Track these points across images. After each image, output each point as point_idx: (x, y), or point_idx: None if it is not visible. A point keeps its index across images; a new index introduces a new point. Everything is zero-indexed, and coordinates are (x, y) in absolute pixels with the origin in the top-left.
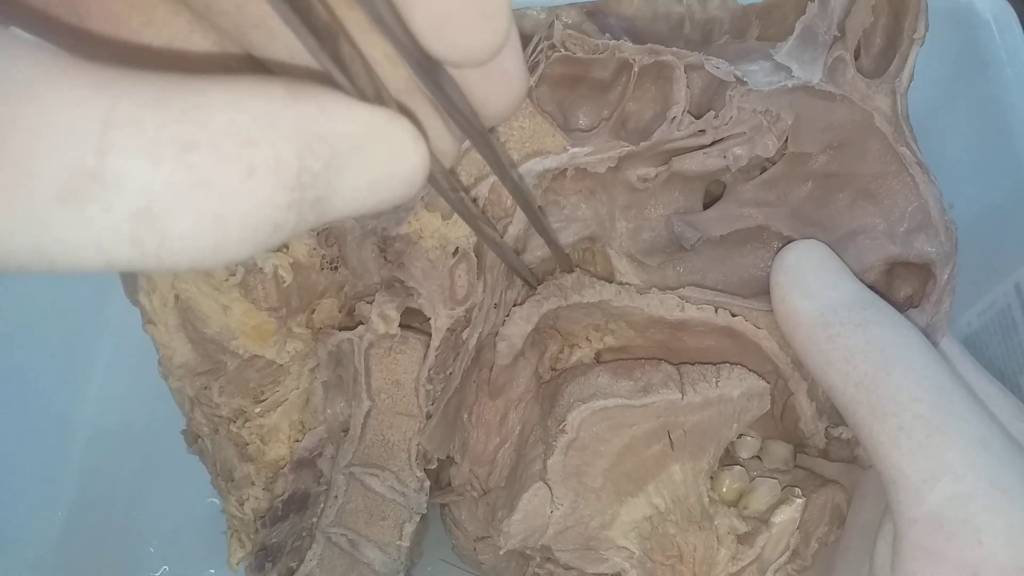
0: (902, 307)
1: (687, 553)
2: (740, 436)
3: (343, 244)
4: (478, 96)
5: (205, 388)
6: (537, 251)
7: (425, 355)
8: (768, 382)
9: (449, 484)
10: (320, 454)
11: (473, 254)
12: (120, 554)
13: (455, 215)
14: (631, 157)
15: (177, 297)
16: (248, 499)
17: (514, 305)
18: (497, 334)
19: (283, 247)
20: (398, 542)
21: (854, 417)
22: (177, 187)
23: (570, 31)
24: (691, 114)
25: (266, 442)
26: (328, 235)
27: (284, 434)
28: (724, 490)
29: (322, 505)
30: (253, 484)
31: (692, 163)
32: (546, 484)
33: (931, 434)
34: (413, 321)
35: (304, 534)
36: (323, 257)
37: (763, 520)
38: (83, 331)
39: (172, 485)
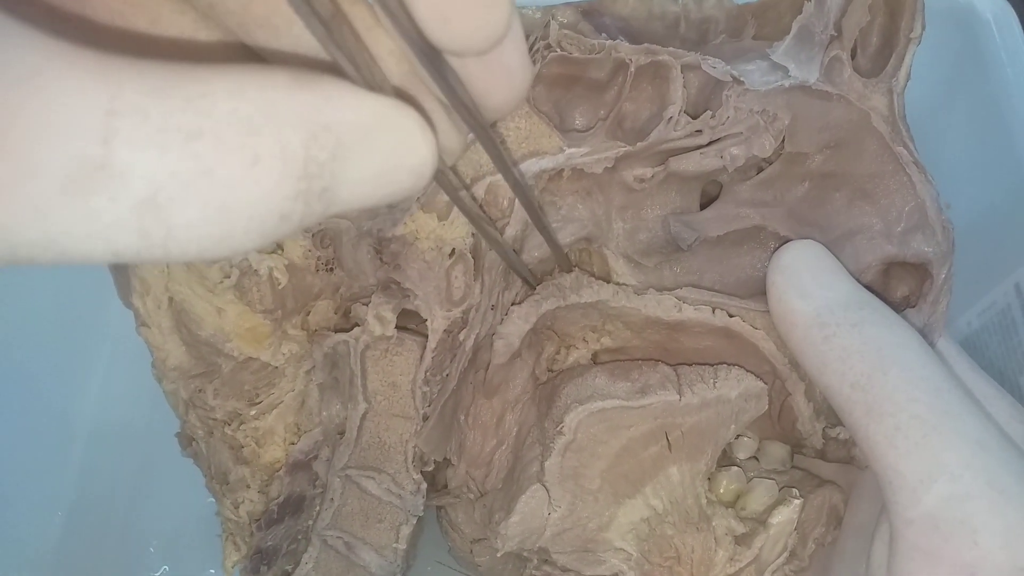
0: (899, 307)
1: (685, 554)
2: (738, 437)
3: (338, 245)
4: (479, 89)
5: (199, 391)
6: (534, 251)
7: (421, 357)
8: (765, 383)
9: (445, 486)
10: (316, 457)
11: (470, 255)
12: (120, 554)
13: (451, 216)
14: (628, 157)
15: (171, 299)
16: (243, 502)
17: (512, 304)
18: (495, 333)
19: (278, 248)
20: (394, 545)
21: (850, 417)
22: (182, 176)
23: (566, 31)
24: (688, 114)
25: (261, 445)
26: (323, 236)
27: (279, 437)
28: (721, 491)
29: (318, 508)
30: (248, 487)
31: (689, 163)
32: (543, 486)
33: (928, 434)
34: (409, 323)
35: (300, 537)
36: (318, 258)
37: (761, 521)
38: (83, 331)
39: (172, 485)
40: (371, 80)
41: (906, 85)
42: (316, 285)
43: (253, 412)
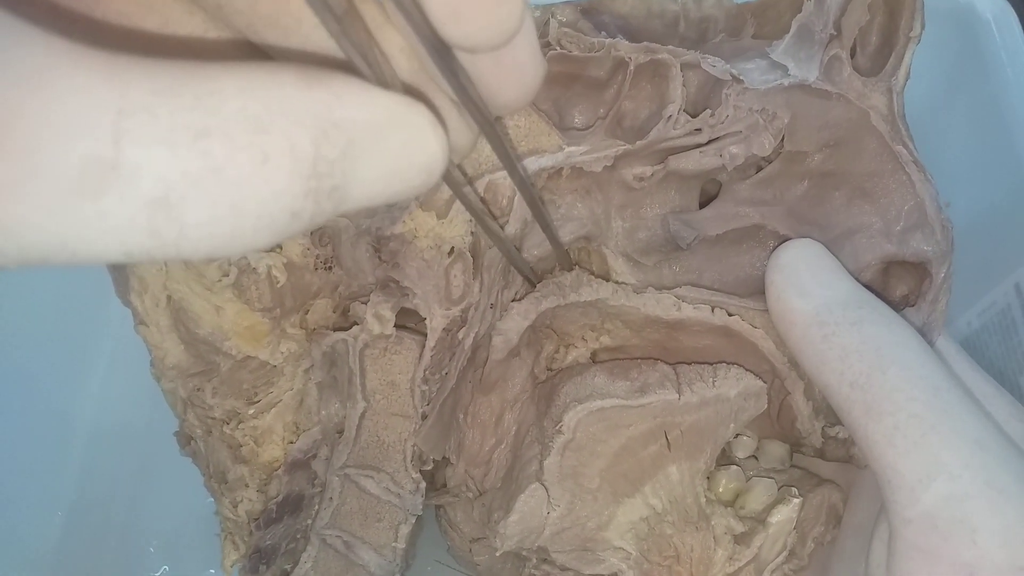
0: (898, 306)
1: (684, 554)
2: (737, 436)
3: (337, 244)
4: (490, 85)
5: (198, 389)
6: (534, 250)
7: (420, 356)
8: (765, 382)
9: (444, 485)
10: (314, 456)
11: (469, 254)
12: (120, 554)
13: (450, 215)
14: (627, 156)
15: (169, 298)
16: (242, 501)
17: (512, 301)
18: (494, 329)
19: (276, 247)
20: (393, 544)
21: (849, 416)
22: (192, 175)
23: (565, 29)
24: (687, 113)
25: (260, 444)
26: (322, 235)
27: (278, 436)
28: (721, 490)
29: (316, 507)
30: (247, 486)
31: (688, 162)
32: (542, 485)
33: (926, 433)
34: (408, 321)
35: (299, 536)
36: (317, 257)
37: (760, 520)
38: (83, 331)
39: (172, 485)
40: (382, 77)
41: (905, 84)
42: (315, 283)
43: (252, 411)
